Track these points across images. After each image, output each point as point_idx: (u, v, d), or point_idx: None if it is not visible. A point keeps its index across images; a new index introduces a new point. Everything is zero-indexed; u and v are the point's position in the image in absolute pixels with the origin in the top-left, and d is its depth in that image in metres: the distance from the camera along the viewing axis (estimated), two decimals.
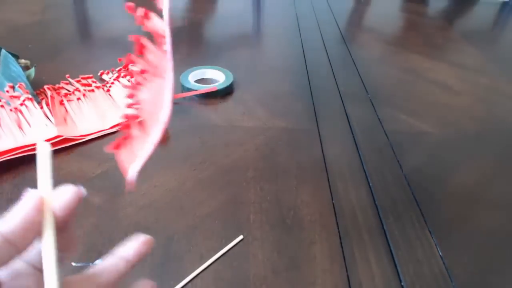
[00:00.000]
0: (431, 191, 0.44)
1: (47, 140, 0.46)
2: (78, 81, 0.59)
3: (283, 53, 0.78)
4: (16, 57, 0.58)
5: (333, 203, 0.42)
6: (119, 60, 0.59)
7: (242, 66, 0.71)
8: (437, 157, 0.50)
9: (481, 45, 0.89)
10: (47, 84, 0.56)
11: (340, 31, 0.92)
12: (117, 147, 0.26)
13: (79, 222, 0.37)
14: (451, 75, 0.72)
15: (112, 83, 0.59)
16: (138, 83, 0.26)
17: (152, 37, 0.25)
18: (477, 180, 0.46)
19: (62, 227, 0.17)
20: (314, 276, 0.34)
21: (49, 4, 1.00)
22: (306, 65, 0.72)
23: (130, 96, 0.26)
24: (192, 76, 0.63)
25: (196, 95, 0.60)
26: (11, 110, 0.49)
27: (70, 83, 0.59)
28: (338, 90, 0.64)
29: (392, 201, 0.42)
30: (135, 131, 0.25)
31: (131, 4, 0.25)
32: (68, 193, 0.17)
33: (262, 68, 0.71)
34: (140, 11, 0.25)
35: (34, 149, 0.45)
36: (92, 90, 0.57)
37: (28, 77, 0.56)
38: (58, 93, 0.55)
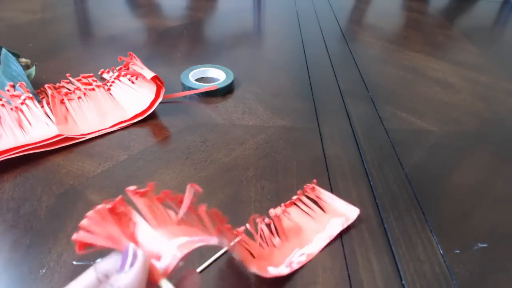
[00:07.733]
0: (432, 189, 0.44)
1: (48, 139, 0.46)
2: (78, 80, 0.59)
3: (284, 52, 0.78)
4: (17, 56, 0.58)
5: None
6: (120, 58, 0.59)
7: (242, 64, 0.71)
8: (437, 155, 0.50)
9: (482, 43, 0.89)
10: (48, 83, 0.56)
11: (340, 29, 0.92)
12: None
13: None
14: (451, 73, 0.72)
15: (113, 82, 0.59)
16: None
17: None
18: (478, 178, 0.46)
19: None
20: (315, 274, 0.34)
21: (49, 2, 1.00)
22: (306, 63, 0.72)
23: None
24: (193, 75, 0.63)
25: (196, 94, 0.60)
26: (11, 109, 0.49)
27: (70, 82, 0.59)
28: (339, 88, 0.64)
29: (392, 199, 0.42)
30: None
31: None
32: None
33: (262, 66, 0.71)
34: None
35: (34, 148, 0.45)
36: (93, 89, 0.57)
37: (28, 76, 0.56)
38: (59, 92, 0.55)
